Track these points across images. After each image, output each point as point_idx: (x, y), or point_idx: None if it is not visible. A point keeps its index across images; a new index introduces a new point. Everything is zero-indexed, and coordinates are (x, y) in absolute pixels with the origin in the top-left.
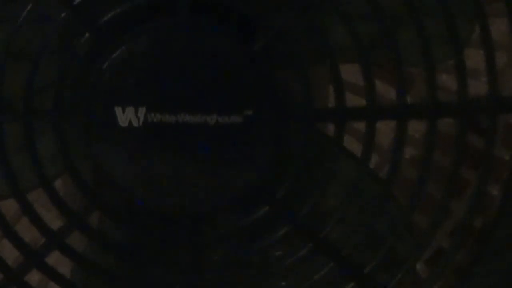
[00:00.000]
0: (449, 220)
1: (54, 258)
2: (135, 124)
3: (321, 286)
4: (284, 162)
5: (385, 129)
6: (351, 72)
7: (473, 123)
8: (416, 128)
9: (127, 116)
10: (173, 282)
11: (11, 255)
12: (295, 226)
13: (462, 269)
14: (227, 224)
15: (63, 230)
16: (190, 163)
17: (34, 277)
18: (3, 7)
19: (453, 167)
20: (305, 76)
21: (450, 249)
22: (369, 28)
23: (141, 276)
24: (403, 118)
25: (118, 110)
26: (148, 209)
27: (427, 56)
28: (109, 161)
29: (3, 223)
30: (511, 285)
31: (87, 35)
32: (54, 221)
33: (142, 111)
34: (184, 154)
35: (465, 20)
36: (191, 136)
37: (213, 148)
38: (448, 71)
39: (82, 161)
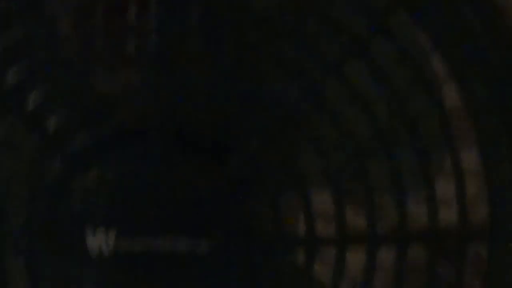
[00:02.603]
0: None
1: None
2: (105, 252)
3: None
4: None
5: (356, 256)
6: (322, 199)
7: (443, 251)
8: (387, 256)
9: (97, 243)
10: None
11: None
12: None
13: None
14: None
15: None
16: None
17: None
18: None
19: None
20: (275, 203)
21: None
22: (340, 155)
23: None
24: (374, 244)
25: (88, 235)
26: None
27: (398, 185)
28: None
29: None
30: None
31: (57, 160)
32: None
33: (112, 237)
34: (153, 283)
35: (436, 149)
36: (160, 263)
37: (182, 276)
38: (418, 199)
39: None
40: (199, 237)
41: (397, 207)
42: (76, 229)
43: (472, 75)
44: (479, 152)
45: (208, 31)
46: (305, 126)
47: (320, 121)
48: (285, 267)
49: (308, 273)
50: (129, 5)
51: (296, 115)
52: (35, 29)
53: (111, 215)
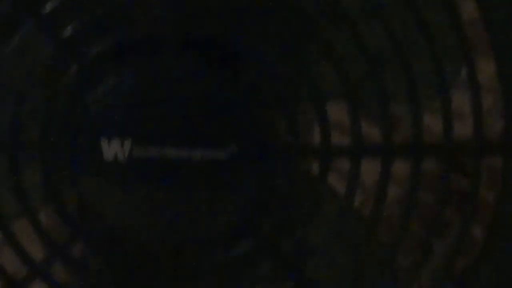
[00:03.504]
0: (431, 260)
1: None
2: (120, 158)
3: None
4: (269, 197)
5: (369, 169)
6: (337, 110)
7: (458, 163)
8: (400, 167)
9: (112, 150)
10: None
11: None
12: (277, 262)
13: None
14: (209, 258)
15: (46, 260)
16: (175, 198)
17: None
18: None
19: (436, 207)
20: (291, 113)
21: None
22: (356, 67)
23: None
24: (388, 157)
25: (104, 143)
26: (131, 241)
27: (413, 96)
28: (93, 193)
29: None
30: None
31: (74, 67)
32: (37, 252)
33: (127, 144)
34: (169, 189)
35: (452, 60)
36: (176, 171)
37: (197, 183)
38: (434, 112)
39: (67, 193)
40: (215, 146)
41: (413, 119)
42: (91, 138)
43: None
44: (495, 64)
45: None
46: (321, 37)
47: (336, 32)
48: (300, 177)
49: (323, 183)
50: None
51: (312, 26)
52: None
53: (126, 125)
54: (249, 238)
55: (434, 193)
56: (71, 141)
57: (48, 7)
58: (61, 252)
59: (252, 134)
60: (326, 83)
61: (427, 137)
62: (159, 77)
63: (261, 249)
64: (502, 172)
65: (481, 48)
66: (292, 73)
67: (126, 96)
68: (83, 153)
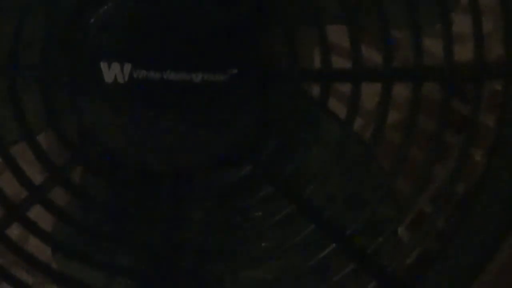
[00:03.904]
0: (431, 184)
1: (35, 213)
2: (120, 80)
3: (303, 248)
4: (269, 122)
5: (369, 93)
6: (337, 35)
7: (458, 88)
8: (400, 92)
9: (112, 72)
10: (153, 238)
11: None
12: (277, 186)
13: (444, 234)
14: (209, 182)
15: (45, 184)
16: (174, 121)
17: (14, 231)
18: None
19: (437, 131)
20: (291, 36)
21: (432, 214)
22: None
23: (122, 232)
24: (389, 81)
25: (104, 66)
26: (130, 166)
27: (413, 20)
28: (93, 116)
29: None
30: (491, 250)
31: None
32: (37, 176)
33: (127, 67)
34: (168, 112)
35: None
36: (176, 93)
37: (197, 106)
38: (434, 36)
39: (66, 117)
40: (215, 69)
41: (413, 43)
42: (91, 61)
43: None
44: None
45: None
46: None
47: None
48: (300, 100)
49: (323, 107)
50: None
51: None
52: None
53: (126, 48)
54: (249, 162)
55: (435, 117)
56: (71, 64)
57: None
58: (61, 176)
59: (252, 57)
60: (327, 7)
61: (428, 61)
62: (158, 0)
63: (261, 173)
64: (502, 95)
65: None
66: None
67: (126, 19)
68: (82, 76)
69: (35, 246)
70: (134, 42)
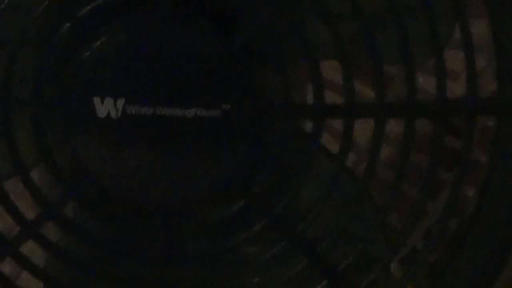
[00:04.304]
0: (424, 221)
1: (28, 248)
2: (113, 115)
3: (295, 283)
4: (262, 157)
5: (362, 130)
6: (330, 71)
7: (450, 124)
8: (393, 128)
9: (105, 107)
10: (145, 274)
11: None
12: (270, 221)
13: (436, 270)
14: (202, 217)
15: (38, 220)
16: (167, 156)
17: (6, 267)
18: None
19: (429, 167)
20: (284, 72)
21: (424, 250)
22: (350, 26)
23: (114, 267)
24: (381, 117)
25: (96, 100)
26: (123, 201)
27: (407, 55)
28: (86, 151)
29: None
30: (484, 286)
31: (67, 25)
32: (29, 211)
33: (120, 102)
34: (162, 147)
35: (445, 20)
36: (169, 129)
37: (190, 141)
38: (426, 72)
39: (59, 151)
40: (208, 105)
41: (406, 78)
42: (84, 96)
43: None
44: (489, 24)
45: None
46: None
47: None
48: (293, 136)
49: (316, 142)
50: None
51: None
52: None
53: (119, 83)
54: (241, 197)
55: (427, 153)
56: (64, 99)
57: None
58: (53, 211)
59: (245, 93)
60: (320, 42)
61: (420, 97)
62: (152, 35)
63: (253, 209)
64: (495, 132)
65: (475, 8)
66: (286, 32)
67: (119, 55)
68: (75, 111)
69: (27, 281)
70: (128, 77)
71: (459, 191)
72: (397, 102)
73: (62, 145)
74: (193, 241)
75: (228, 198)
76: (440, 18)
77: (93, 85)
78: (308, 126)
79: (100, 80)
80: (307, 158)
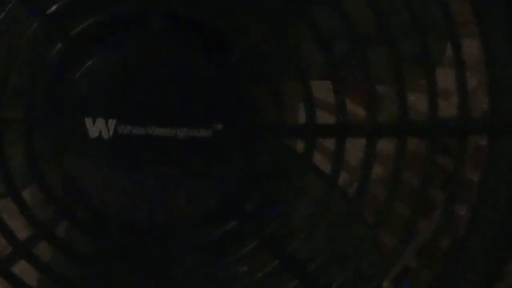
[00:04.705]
0: (416, 239)
1: (20, 268)
2: (105, 135)
3: None
4: (253, 176)
5: (354, 149)
6: (322, 90)
7: (443, 143)
8: (385, 147)
9: (97, 127)
10: None
11: None
12: (261, 241)
13: None
14: (194, 237)
15: (30, 239)
16: (160, 176)
17: None
18: None
19: (421, 186)
20: (275, 92)
21: (417, 268)
22: (341, 46)
23: (107, 287)
24: (373, 136)
25: (88, 121)
26: (116, 220)
27: (398, 76)
28: (78, 171)
29: None
30: None
31: (58, 45)
32: (21, 231)
33: (112, 123)
34: (154, 167)
35: (437, 40)
36: (161, 149)
37: (182, 161)
38: (418, 91)
39: (51, 171)
40: (200, 124)
41: (398, 98)
42: (75, 116)
43: None
44: (481, 43)
45: None
46: (306, 16)
47: (321, 11)
48: (284, 156)
49: (307, 163)
50: None
51: (297, 5)
52: None
53: (110, 104)
54: (234, 217)
55: (419, 172)
56: (56, 118)
57: None
58: (46, 231)
59: (237, 113)
60: (312, 61)
61: (412, 116)
62: (143, 56)
63: (245, 228)
64: (486, 151)
65: (466, 27)
66: (277, 52)
67: (110, 75)
68: (67, 131)
69: None
70: (119, 97)
71: (451, 210)
72: (388, 122)
73: (54, 165)
74: (186, 260)
75: (220, 217)
76: (432, 37)
77: (85, 105)
78: (300, 145)
79: (91, 100)
80: (299, 177)
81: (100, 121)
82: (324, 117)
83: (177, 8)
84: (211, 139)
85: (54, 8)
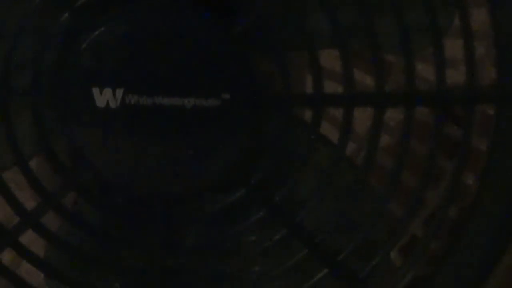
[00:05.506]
0: (424, 209)
1: (28, 238)
2: (112, 105)
3: (295, 272)
4: (261, 146)
5: (362, 117)
6: (329, 60)
7: (450, 112)
8: (393, 116)
9: (104, 97)
10: (146, 263)
11: None
12: (270, 210)
13: (436, 258)
14: (202, 207)
15: (38, 209)
16: (167, 145)
17: (6, 256)
18: None
19: (429, 156)
20: (283, 61)
21: (425, 238)
22: (348, 15)
23: (114, 257)
24: (381, 106)
25: (95, 91)
26: (122, 190)
27: (406, 44)
28: (85, 141)
29: None
30: (483, 274)
31: (65, 15)
32: (28, 201)
33: (119, 92)
34: (161, 136)
35: (444, 9)
36: (168, 118)
37: (189, 130)
38: (425, 61)
39: (59, 141)
40: (207, 94)
41: (405, 66)
42: (83, 86)
43: None
44: (488, 12)
45: None
46: None
47: None
48: (292, 125)
49: (315, 132)
50: None
51: None
52: None
53: (118, 73)
54: (241, 186)
55: (427, 142)
56: (63, 89)
57: None
58: (53, 201)
59: (244, 83)
60: (319, 30)
61: (420, 85)
62: (151, 25)
63: (252, 198)
64: (494, 120)
65: None
66: (285, 21)
67: (118, 45)
68: (74, 101)
69: (27, 270)
70: (126, 67)
71: (459, 179)
72: (396, 91)
73: (61, 134)
74: (193, 230)
75: (227, 187)
76: (439, 6)
77: (92, 75)
78: (308, 115)
79: (99, 70)
80: (306, 147)
81: (108, 91)
82: (332, 87)
83: None
84: (218, 109)
85: None
